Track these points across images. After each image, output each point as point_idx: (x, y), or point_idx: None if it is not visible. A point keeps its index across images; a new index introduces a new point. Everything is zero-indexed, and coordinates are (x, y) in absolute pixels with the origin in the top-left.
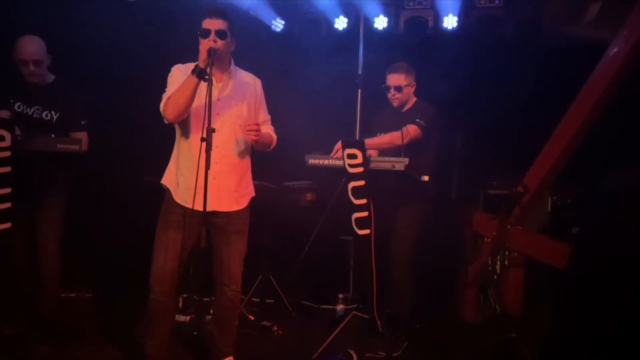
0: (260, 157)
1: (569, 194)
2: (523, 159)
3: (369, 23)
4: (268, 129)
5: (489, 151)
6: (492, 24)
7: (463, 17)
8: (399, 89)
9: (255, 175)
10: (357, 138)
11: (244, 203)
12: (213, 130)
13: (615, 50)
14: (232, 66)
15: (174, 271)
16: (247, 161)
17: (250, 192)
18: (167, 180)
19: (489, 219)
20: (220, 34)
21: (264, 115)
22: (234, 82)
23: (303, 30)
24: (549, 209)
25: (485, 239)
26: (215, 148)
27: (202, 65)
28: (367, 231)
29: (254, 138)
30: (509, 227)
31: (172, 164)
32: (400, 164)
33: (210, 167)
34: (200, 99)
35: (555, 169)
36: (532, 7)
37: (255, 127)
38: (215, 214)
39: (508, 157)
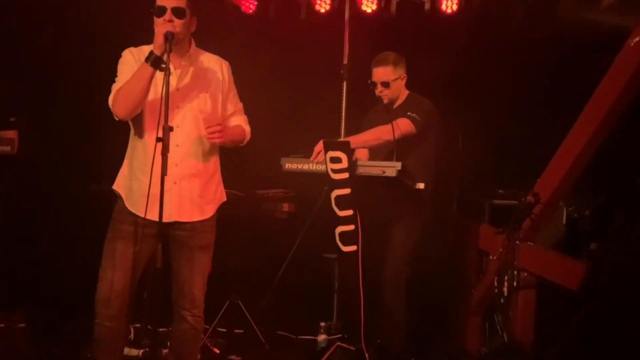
0: (228, 161)
1: (587, 204)
2: (534, 164)
3: (355, 5)
4: (239, 120)
5: (495, 155)
6: (498, 8)
7: None
8: (386, 84)
9: (223, 182)
10: (342, 139)
11: (209, 211)
12: (171, 129)
13: (638, 39)
14: (193, 48)
15: (124, 291)
16: (215, 161)
17: (220, 197)
18: (119, 185)
19: (495, 233)
20: (177, 13)
21: (232, 106)
22: (194, 69)
23: (279, 13)
24: (564, 222)
25: (491, 257)
26: (175, 147)
27: (157, 52)
28: (353, 248)
29: (218, 141)
30: (518, 242)
31: (125, 167)
32: (391, 169)
33: (170, 170)
34: (156, 90)
35: (571, 176)
36: None
37: (217, 128)
38: (175, 225)
39: (517, 162)
